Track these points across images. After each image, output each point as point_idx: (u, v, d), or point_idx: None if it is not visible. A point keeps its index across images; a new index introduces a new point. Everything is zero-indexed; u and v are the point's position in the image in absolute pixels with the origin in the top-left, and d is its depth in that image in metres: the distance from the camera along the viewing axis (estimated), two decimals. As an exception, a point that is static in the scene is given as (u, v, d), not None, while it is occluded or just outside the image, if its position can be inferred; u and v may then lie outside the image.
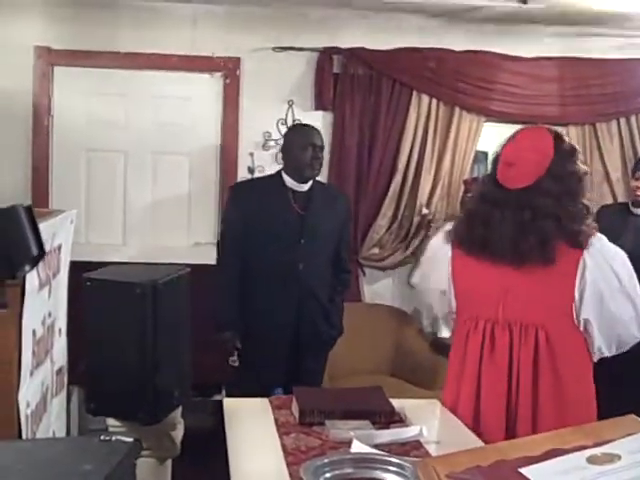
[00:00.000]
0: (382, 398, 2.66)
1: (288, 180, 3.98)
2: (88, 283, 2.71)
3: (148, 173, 5.13)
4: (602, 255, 2.50)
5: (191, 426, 3.13)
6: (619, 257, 2.54)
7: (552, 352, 2.53)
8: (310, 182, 4.01)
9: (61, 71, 5.02)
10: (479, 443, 2.40)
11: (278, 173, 4.07)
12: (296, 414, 2.56)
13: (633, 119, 5.31)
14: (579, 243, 2.48)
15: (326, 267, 4.05)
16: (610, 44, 5.22)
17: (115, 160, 5.11)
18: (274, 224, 3.90)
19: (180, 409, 2.96)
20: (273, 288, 3.91)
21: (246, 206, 3.96)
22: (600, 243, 2.52)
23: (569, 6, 4.57)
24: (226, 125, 5.14)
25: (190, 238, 5.19)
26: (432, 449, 2.34)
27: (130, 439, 1.52)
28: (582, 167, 2.60)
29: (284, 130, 5.14)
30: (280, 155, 4.21)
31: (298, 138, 3.98)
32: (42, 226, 2.22)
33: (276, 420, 2.58)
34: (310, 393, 2.71)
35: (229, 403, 2.80)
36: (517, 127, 5.70)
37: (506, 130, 6.12)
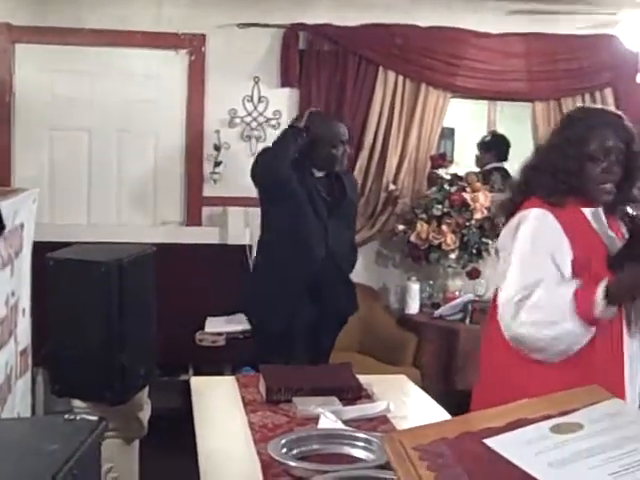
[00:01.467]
0: (349, 374, 2.67)
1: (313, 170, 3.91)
2: (51, 263, 2.68)
3: (113, 151, 5.06)
4: (511, 230, 2.36)
5: (158, 406, 3.12)
6: (524, 242, 2.32)
7: (492, 317, 2.44)
8: None
9: (23, 48, 4.93)
10: (447, 416, 2.42)
11: (300, 160, 3.88)
12: (263, 392, 2.56)
13: (598, 95, 5.34)
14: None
15: (347, 243, 4.04)
16: (575, 20, 5.23)
17: (79, 138, 5.03)
18: (304, 205, 3.82)
19: (147, 389, 2.95)
20: (298, 258, 3.81)
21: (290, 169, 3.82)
22: (525, 218, 2.33)
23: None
24: (192, 103, 5.08)
25: (157, 217, 5.14)
26: (399, 423, 2.35)
27: (95, 418, 1.51)
28: (566, 139, 2.37)
29: (250, 107, 5.11)
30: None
31: (329, 136, 3.88)
32: (3, 204, 2.19)
33: (243, 398, 2.58)
34: (277, 370, 2.71)
35: (196, 382, 2.80)
36: (484, 102, 5.75)
37: (473, 106, 6.16)
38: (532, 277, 2.24)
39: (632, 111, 5.24)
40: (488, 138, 5.88)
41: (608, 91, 5.34)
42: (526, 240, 2.29)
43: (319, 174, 3.91)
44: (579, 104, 5.32)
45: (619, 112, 2.48)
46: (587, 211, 2.38)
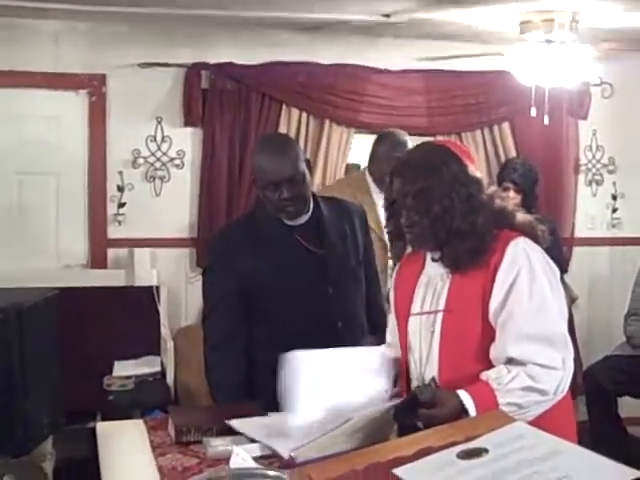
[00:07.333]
0: (259, 412, 2.63)
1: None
2: (-54, 310, 2.57)
3: (13, 194, 4.93)
4: None
5: (64, 456, 3.02)
6: None
7: None
8: (308, 211, 2.88)
9: None
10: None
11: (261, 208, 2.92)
12: (172, 433, 2.50)
13: (496, 128, 5.51)
14: None
15: (363, 319, 2.98)
16: (469, 58, 5.37)
17: (-23, 181, 4.90)
18: (288, 276, 2.81)
19: (51, 439, 2.85)
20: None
21: (241, 264, 2.82)
22: None
23: (428, 21, 4.67)
24: (94, 143, 5.00)
25: (60, 260, 5.02)
26: (311, 459, 2.33)
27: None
28: None
29: (153, 147, 5.07)
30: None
31: (262, 173, 2.79)
32: None
33: (152, 442, 2.51)
34: (186, 411, 2.67)
35: (102, 428, 2.72)
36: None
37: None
38: None
39: (528, 143, 5.48)
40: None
41: (506, 125, 5.52)
42: None
43: (293, 221, 2.86)
44: (479, 138, 5.49)
45: None
46: None
